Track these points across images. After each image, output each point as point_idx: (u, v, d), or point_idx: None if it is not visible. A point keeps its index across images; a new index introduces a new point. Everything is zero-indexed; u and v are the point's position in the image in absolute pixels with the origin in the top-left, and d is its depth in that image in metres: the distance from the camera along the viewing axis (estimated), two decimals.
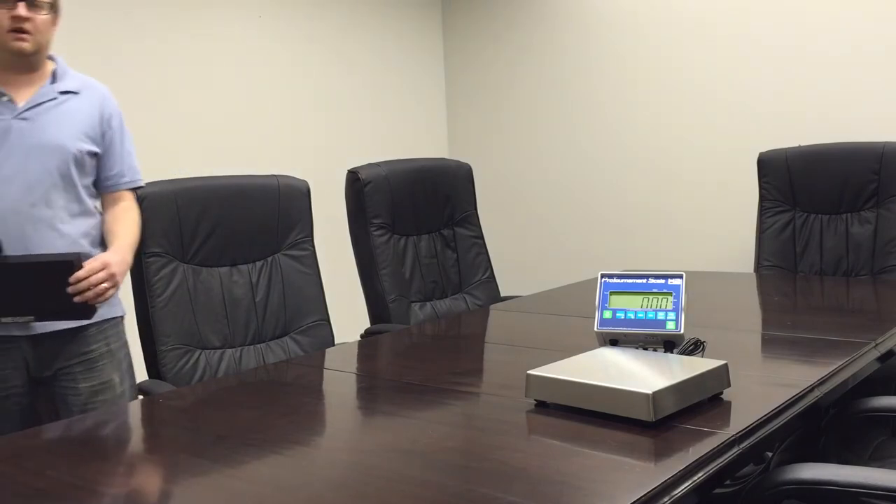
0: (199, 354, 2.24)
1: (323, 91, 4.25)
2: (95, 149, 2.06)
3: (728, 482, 1.49)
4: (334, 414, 1.72)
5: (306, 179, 2.56)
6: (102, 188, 2.13)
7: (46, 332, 1.98)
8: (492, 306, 2.86)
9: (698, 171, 4.01)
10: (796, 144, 3.29)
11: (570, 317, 2.54)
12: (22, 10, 1.90)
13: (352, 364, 2.18)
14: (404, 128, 4.66)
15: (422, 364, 2.08)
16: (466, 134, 4.84)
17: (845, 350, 1.87)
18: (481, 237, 3.23)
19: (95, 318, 1.99)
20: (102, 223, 2.12)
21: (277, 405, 1.76)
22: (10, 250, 1.90)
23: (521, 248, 4.57)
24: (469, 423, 1.59)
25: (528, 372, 1.57)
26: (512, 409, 1.53)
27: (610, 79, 4.26)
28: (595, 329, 1.78)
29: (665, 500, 1.18)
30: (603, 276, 1.81)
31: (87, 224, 2.07)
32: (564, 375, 1.54)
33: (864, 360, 1.86)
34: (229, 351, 2.30)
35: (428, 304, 2.99)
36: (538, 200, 4.58)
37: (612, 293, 1.78)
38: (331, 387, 1.94)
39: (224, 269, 2.36)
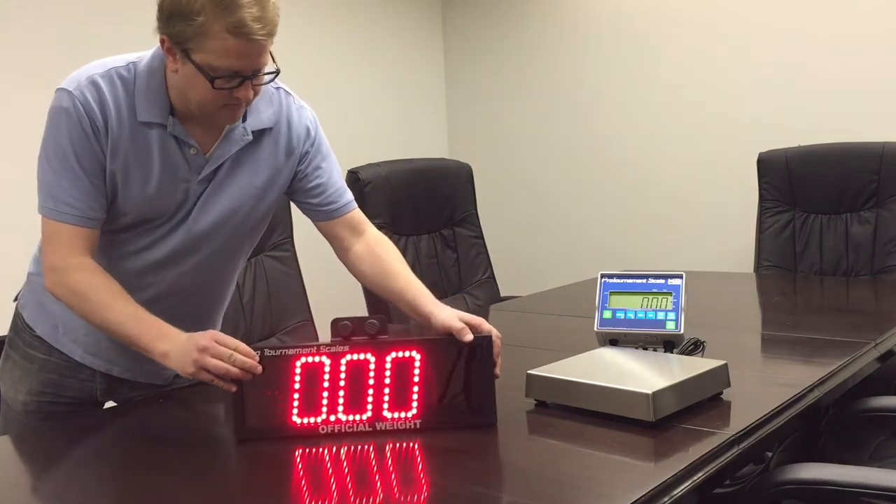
0: None
1: (323, 91, 4.25)
2: (273, 208, 1.75)
3: (728, 482, 1.49)
4: None
5: None
6: (326, 216, 1.76)
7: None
8: (492, 306, 2.86)
9: (698, 171, 4.01)
10: (796, 144, 3.29)
11: (570, 317, 2.54)
12: (248, 91, 1.49)
13: None
14: (404, 128, 4.66)
15: None
16: (466, 134, 4.83)
17: (845, 350, 1.87)
18: (481, 237, 3.23)
19: None
20: (356, 261, 1.75)
21: None
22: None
23: (521, 248, 4.56)
24: None
25: (528, 372, 1.57)
26: (512, 409, 1.53)
27: (610, 78, 4.26)
28: (595, 329, 1.78)
29: (665, 499, 1.18)
30: (603, 276, 1.81)
31: None
32: (564, 375, 1.54)
33: (864, 360, 1.86)
34: None
35: None
36: (538, 200, 4.58)
37: (612, 293, 1.79)
38: None
39: None
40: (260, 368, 1.41)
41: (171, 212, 1.60)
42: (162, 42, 1.46)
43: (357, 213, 1.80)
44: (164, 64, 1.52)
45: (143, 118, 1.52)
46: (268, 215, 1.76)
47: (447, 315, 1.51)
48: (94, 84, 1.51)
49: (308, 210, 1.77)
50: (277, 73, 1.54)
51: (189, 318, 1.60)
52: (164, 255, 1.63)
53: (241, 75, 1.46)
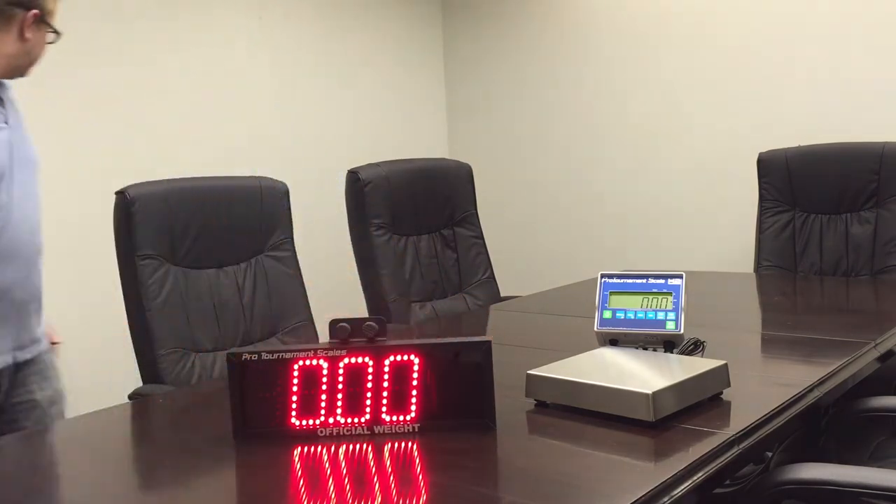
0: (194, 357, 2.23)
1: (323, 91, 4.25)
2: None
3: (728, 482, 1.49)
4: None
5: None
6: None
7: (27, 359, 1.85)
8: (492, 306, 2.86)
9: (698, 172, 4.01)
10: (796, 144, 3.29)
11: (570, 317, 2.54)
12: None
13: None
14: (404, 128, 4.66)
15: None
16: (466, 134, 4.84)
17: (845, 350, 1.87)
18: (481, 237, 3.23)
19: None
20: None
21: None
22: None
23: (521, 248, 4.56)
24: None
25: (528, 372, 1.57)
26: (512, 409, 1.53)
27: (610, 79, 4.26)
28: (595, 329, 1.78)
29: (665, 499, 1.18)
30: (603, 276, 1.81)
31: None
32: (564, 375, 1.54)
33: (864, 360, 1.86)
34: (221, 353, 2.28)
35: (428, 304, 2.99)
36: (538, 200, 4.58)
37: (612, 293, 1.78)
38: None
39: (211, 271, 2.33)
40: None
41: None
42: (36, 16, 1.77)
43: None
44: None
45: None
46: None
47: None
48: None
49: None
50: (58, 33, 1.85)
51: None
52: None
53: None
